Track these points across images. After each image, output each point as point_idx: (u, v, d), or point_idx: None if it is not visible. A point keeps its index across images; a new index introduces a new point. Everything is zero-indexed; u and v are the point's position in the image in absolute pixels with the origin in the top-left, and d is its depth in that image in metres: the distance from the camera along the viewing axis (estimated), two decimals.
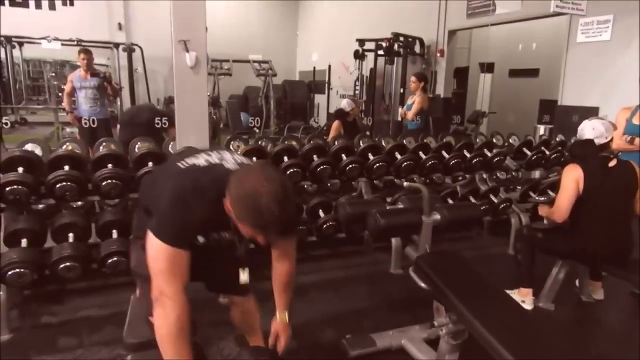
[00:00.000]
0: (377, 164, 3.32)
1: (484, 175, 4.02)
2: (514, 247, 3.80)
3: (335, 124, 5.25)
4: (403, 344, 2.35)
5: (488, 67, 8.09)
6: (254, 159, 3.11)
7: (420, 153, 3.58)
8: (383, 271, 3.40)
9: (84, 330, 2.52)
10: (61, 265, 2.47)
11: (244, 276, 1.63)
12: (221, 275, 1.82)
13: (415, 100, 5.46)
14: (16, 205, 2.55)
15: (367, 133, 5.47)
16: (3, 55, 9.46)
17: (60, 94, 10.23)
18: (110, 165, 2.76)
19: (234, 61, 8.52)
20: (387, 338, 2.39)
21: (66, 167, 2.66)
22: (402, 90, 7.55)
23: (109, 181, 2.65)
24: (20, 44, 9.55)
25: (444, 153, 3.68)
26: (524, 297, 2.84)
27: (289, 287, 1.79)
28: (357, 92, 9.14)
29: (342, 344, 2.36)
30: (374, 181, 3.68)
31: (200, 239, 1.56)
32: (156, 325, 1.38)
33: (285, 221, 1.35)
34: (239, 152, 3.33)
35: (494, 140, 4.29)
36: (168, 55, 3.15)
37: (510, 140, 4.48)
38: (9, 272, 2.35)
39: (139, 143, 3.22)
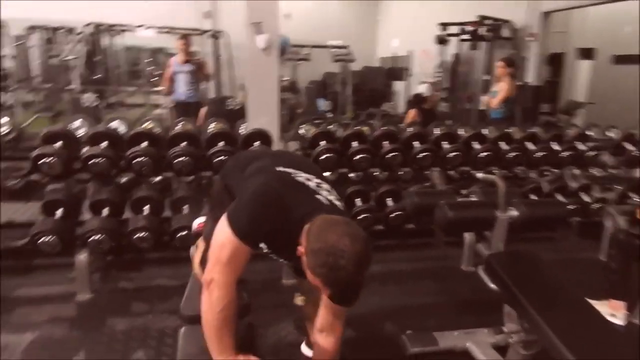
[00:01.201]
0: (452, 154, 3.12)
1: (575, 172, 3.62)
2: (607, 254, 3.40)
3: (412, 111, 5.06)
4: (468, 347, 2.18)
5: (587, 53, 7.30)
6: (323, 142, 3.07)
7: (502, 144, 3.31)
8: (453, 267, 3.21)
9: (155, 297, 2.65)
10: (136, 235, 2.61)
11: (299, 300, 1.60)
12: None
13: (501, 87, 5.07)
14: (99, 177, 2.72)
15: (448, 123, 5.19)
16: (106, 43, 10.28)
17: (153, 79, 10.94)
18: (184, 144, 2.85)
19: (313, 47, 8.50)
20: (451, 338, 2.23)
21: (144, 144, 2.78)
22: (487, 77, 7.08)
23: (182, 159, 2.74)
24: (119, 32, 10.30)
25: (529, 145, 3.37)
26: (614, 311, 2.52)
27: None
28: (438, 79, 8.75)
29: (401, 340, 2.25)
30: (449, 172, 3.46)
31: (263, 247, 1.48)
32: (202, 309, 1.39)
33: (357, 286, 1.33)
34: (308, 136, 3.31)
35: (590, 133, 3.85)
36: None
37: (609, 134, 4.00)
38: (90, 238, 2.52)
39: (212, 124, 3.31)
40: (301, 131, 3.58)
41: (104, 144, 2.73)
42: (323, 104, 9.96)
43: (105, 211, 2.68)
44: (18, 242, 2.64)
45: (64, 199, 2.70)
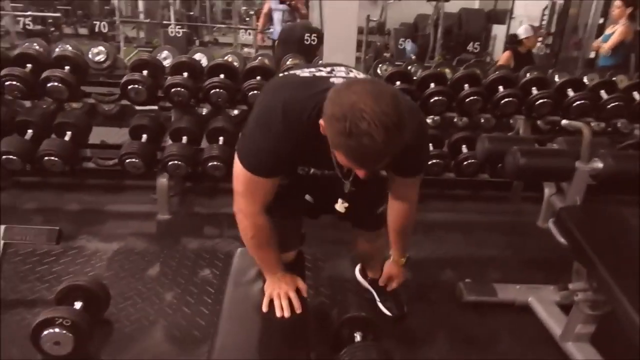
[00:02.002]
0: (541, 100, 2.83)
1: None
2: None
3: (505, 54, 4.64)
4: (529, 302, 2.08)
5: None
6: (398, 83, 2.94)
7: (602, 92, 2.93)
8: (527, 223, 2.99)
9: (224, 224, 2.82)
10: (209, 164, 2.75)
11: (340, 206, 1.48)
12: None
13: (616, 30, 4.44)
14: (180, 105, 2.87)
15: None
16: None
17: (247, 19, 11.07)
18: (258, 78, 2.88)
19: None
20: (512, 291, 2.14)
21: (222, 76, 2.86)
22: (601, 21, 6.22)
23: (254, 92, 2.78)
24: None
25: (636, 95, 2.95)
26: None
27: (405, 232, 1.62)
28: (544, 22, 7.86)
29: (457, 287, 2.20)
30: (537, 121, 3.16)
31: (300, 170, 1.42)
32: (240, 233, 1.44)
33: (392, 153, 1.05)
34: (382, 75, 3.19)
35: None
36: None
37: None
38: (169, 163, 2.70)
39: (289, 60, 3.30)
40: (379, 71, 3.45)
41: (185, 74, 2.84)
42: (411, 48, 9.48)
43: (184, 139, 2.85)
44: (109, 162, 2.91)
45: (149, 124, 2.90)
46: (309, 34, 3.95)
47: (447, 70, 3.40)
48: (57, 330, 1.65)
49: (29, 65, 2.75)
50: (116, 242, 2.56)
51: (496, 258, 2.62)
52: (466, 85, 2.93)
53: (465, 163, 2.91)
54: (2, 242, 1.98)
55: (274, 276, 1.48)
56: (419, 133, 1.31)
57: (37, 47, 3.03)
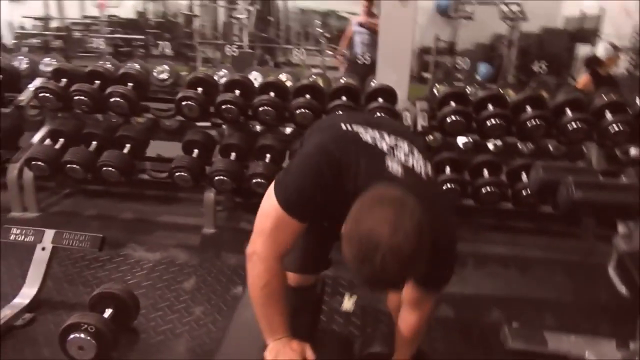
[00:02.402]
0: (615, 126, 2.53)
1: None
2: None
3: (584, 78, 4.27)
4: (586, 357, 1.82)
5: None
6: (452, 104, 2.78)
7: None
8: (597, 265, 2.63)
9: None
10: (254, 180, 2.76)
11: (347, 303, 1.39)
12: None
13: None
14: (229, 122, 2.93)
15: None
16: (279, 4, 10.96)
17: (322, 41, 11.32)
18: (307, 96, 2.87)
19: (479, 3, 7.71)
20: (565, 342, 1.89)
21: (271, 94, 2.89)
22: None
23: (302, 110, 2.77)
24: None
25: None
26: None
27: (411, 342, 1.43)
28: (635, 43, 7.20)
29: (502, 331, 1.98)
30: (612, 150, 2.84)
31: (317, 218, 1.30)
32: (248, 283, 1.28)
33: (406, 281, 1.07)
34: (438, 93, 3.04)
35: None
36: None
37: None
38: (215, 178, 2.75)
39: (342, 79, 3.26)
40: (435, 91, 3.31)
41: (237, 92, 2.90)
42: (485, 70, 9.08)
43: (233, 155, 2.89)
44: (162, 175, 3.03)
45: (201, 140, 2.99)
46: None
47: (511, 93, 3.17)
48: (82, 335, 1.70)
49: (97, 82, 2.96)
50: (160, 252, 2.63)
51: (554, 302, 2.35)
52: (528, 108, 2.70)
53: (524, 193, 2.67)
54: (51, 245, 2.10)
55: (278, 341, 1.26)
56: (446, 250, 1.20)
57: (107, 66, 3.25)
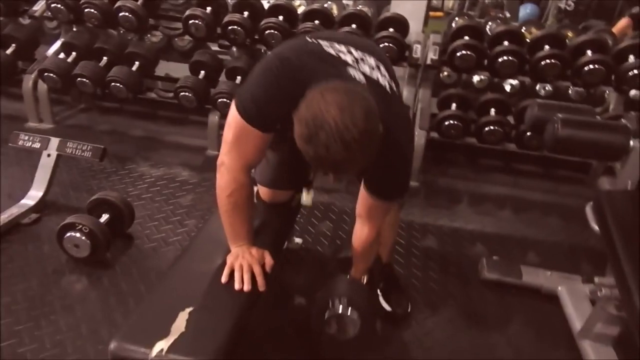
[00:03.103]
0: (634, 70, 2.39)
1: None
2: None
3: (622, 21, 3.94)
4: (558, 292, 1.86)
5: None
6: (466, 37, 2.66)
7: None
8: None
9: None
10: None
11: (306, 197, 1.41)
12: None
13: None
14: (235, 44, 2.90)
15: None
16: None
17: None
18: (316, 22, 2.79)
19: None
20: (540, 277, 1.93)
21: (280, 17, 2.82)
22: None
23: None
24: None
25: None
26: None
27: (363, 257, 1.44)
28: None
29: (480, 263, 2.03)
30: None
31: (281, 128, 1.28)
32: (217, 190, 1.30)
33: (352, 168, 1.02)
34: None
35: None
36: None
37: None
38: (219, 100, 2.77)
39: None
40: (453, 24, 3.16)
41: (245, 13, 2.85)
42: (531, 10, 8.43)
43: (238, 79, 2.88)
44: (168, 94, 3.06)
45: (208, 61, 2.98)
46: None
47: (534, 30, 3.00)
48: (77, 234, 1.83)
49: None
50: (163, 168, 2.73)
51: (543, 242, 2.37)
52: (546, 47, 2.57)
53: (528, 134, 2.60)
54: (56, 152, 2.21)
55: (239, 247, 1.32)
56: (398, 153, 1.19)
57: None
